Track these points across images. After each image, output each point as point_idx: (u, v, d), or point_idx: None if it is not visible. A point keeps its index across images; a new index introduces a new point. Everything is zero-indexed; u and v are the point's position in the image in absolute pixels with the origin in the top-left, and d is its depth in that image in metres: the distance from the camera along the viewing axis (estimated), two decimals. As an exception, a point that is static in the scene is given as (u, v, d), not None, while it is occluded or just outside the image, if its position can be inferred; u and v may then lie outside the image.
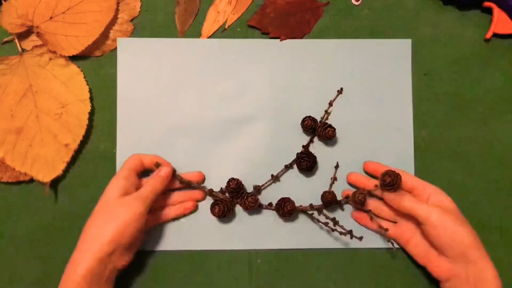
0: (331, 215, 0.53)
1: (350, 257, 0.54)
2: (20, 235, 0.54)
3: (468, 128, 0.56)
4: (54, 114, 0.53)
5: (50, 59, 0.54)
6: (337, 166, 0.55)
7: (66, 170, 0.54)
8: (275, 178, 0.55)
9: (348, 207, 0.55)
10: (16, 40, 0.55)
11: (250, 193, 0.54)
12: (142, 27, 0.57)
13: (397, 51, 0.57)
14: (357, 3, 0.58)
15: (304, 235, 0.54)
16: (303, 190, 0.55)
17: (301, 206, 0.53)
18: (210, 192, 0.54)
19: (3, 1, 0.55)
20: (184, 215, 0.54)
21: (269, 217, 0.55)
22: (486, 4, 0.56)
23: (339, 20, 0.57)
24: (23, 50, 0.55)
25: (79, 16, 0.55)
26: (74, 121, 0.53)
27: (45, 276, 0.53)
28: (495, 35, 0.56)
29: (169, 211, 0.54)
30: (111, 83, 0.56)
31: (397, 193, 0.49)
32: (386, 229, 0.50)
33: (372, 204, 0.53)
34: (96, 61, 0.56)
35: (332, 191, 0.53)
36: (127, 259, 0.49)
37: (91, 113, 0.54)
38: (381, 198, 0.52)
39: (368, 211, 0.52)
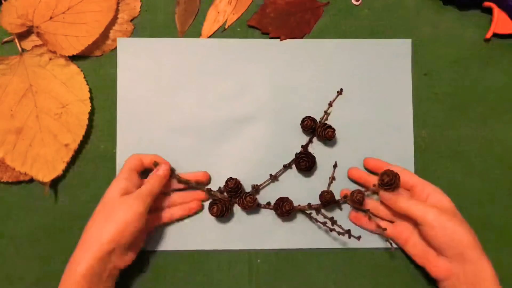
0: (330, 215, 0.53)
1: (350, 257, 0.54)
2: (20, 235, 0.54)
3: (468, 128, 0.56)
4: (54, 114, 0.53)
5: (50, 59, 0.54)
6: (335, 166, 0.55)
7: (66, 170, 0.54)
8: (274, 178, 0.55)
9: (347, 207, 0.55)
10: (16, 40, 0.55)
11: (249, 192, 0.53)
12: (142, 27, 0.57)
13: (397, 51, 0.57)
14: (357, 3, 0.58)
15: (302, 235, 0.54)
16: (302, 190, 0.55)
17: (299, 205, 0.53)
18: (208, 192, 0.54)
19: (3, 1, 0.55)
20: (189, 216, 0.54)
21: (267, 216, 0.55)
22: (486, 4, 0.56)
23: (339, 20, 0.57)
24: (23, 50, 0.55)
25: (79, 16, 0.55)
26: (74, 121, 0.53)
27: (45, 276, 0.53)
28: (495, 35, 0.56)
29: (174, 212, 0.54)
30: (111, 83, 0.56)
31: (394, 193, 0.50)
32: (385, 229, 0.50)
33: (370, 204, 0.53)
34: (96, 61, 0.56)
35: (331, 191, 0.53)
36: (129, 259, 0.49)
37: (91, 113, 0.54)
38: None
39: (366, 211, 0.52)
